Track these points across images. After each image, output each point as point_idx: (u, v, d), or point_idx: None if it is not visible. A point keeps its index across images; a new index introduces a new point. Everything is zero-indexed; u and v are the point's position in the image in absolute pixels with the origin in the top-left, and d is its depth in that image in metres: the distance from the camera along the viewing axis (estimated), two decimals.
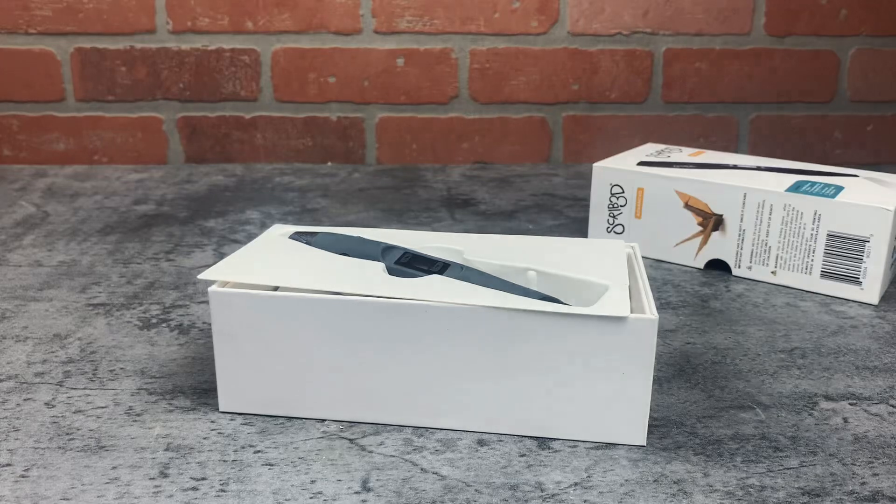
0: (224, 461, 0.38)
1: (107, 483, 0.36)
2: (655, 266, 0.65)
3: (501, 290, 0.39)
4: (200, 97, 0.97)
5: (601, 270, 0.43)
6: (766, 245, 0.61)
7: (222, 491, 0.35)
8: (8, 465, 0.37)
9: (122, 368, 0.47)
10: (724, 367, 0.48)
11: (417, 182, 0.91)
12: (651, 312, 0.38)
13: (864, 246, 0.57)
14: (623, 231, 0.67)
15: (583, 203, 0.83)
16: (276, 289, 0.45)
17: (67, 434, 0.40)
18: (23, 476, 0.37)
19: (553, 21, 0.96)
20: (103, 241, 0.70)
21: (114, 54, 0.95)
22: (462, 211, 0.79)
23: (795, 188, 0.60)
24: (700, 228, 0.63)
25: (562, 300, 0.41)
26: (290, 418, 0.41)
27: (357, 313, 0.39)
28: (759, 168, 0.67)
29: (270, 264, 0.43)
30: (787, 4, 0.97)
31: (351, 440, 0.40)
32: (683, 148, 0.74)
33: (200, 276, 0.41)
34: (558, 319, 0.37)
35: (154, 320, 0.54)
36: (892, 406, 0.44)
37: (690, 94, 0.99)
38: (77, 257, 0.66)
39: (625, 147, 1.01)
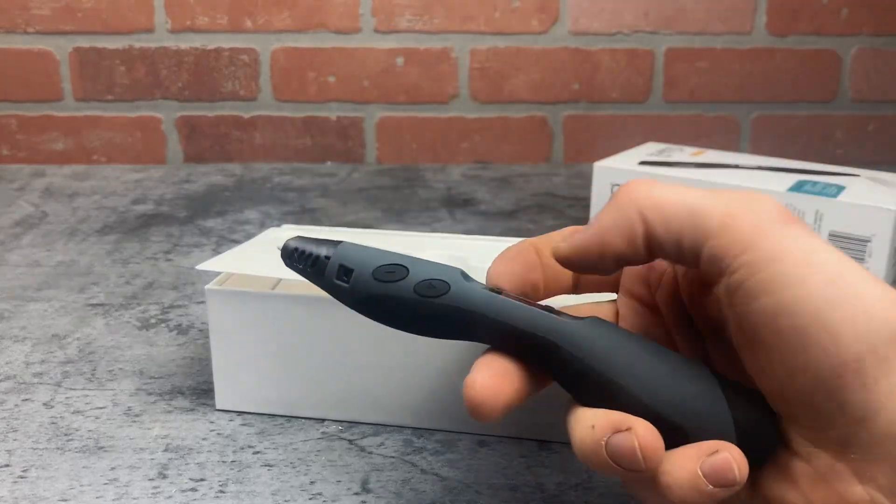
0: (223, 462, 0.38)
1: (105, 484, 0.36)
2: None
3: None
4: (199, 97, 0.97)
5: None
6: None
7: (221, 492, 0.35)
8: (6, 465, 0.37)
9: (120, 369, 0.47)
10: None
11: (417, 182, 0.91)
12: None
13: (866, 246, 0.57)
14: None
15: (584, 203, 0.83)
16: (274, 287, 0.45)
17: (66, 434, 0.40)
18: (21, 477, 0.36)
19: (553, 20, 0.96)
20: (102, 241, 0.70)
21: (112, 54, 0.95)
22: (462, 211, 0.79)
23: (797, 188, 0.60)
24: None
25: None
26: (289, 419, 0.41)
27: (356, 313, 0.39)
28: (760, 167, 0.66)
29: (270, 258, 0.43)
30: (789, 3, 0.97)
31: (350, 441, 0.39)
32: (685, 147, 0.74)
33: (198, 267, 0.41)
34: None
35: (153, 320, 0.53)
36: None
37: (691, 94, 0.99)
38: (76, 257, 0.66)
39: (626, 146, 1.01)
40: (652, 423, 0.26)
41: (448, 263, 0.29)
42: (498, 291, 0.28)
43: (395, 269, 0.29)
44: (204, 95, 0.97)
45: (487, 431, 0.40)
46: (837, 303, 0.23)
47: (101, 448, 0.39)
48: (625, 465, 0.25)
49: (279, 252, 0.31)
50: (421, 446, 0.39)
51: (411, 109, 0.98)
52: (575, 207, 0.81)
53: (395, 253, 0.30)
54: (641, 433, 0.25)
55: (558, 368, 0.27)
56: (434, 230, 0.73)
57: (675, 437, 0.26)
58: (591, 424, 0.26)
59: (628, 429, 0.25)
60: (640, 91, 0.99)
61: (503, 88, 0.98)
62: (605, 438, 0.25)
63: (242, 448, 0.39)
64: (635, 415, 0.26)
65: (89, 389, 0.44)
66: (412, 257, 0.30)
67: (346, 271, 0.29)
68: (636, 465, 0.25)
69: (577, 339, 0.27)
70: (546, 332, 0.27)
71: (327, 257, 0.30)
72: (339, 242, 0.30)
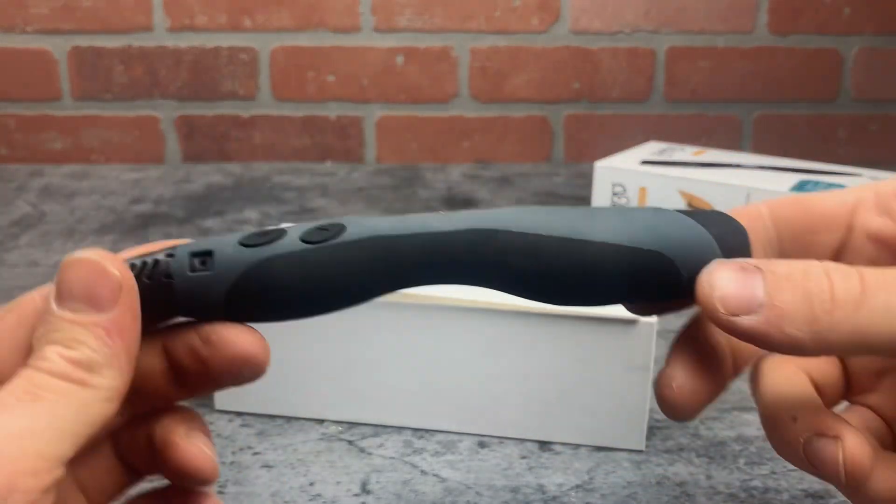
0: (222, 463, 0.37)
1: None
2: None
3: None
4: (198, 96, 0.97)
5: None
6: None
7: (220, 493, 0.35)
8: None
9: None
10: None
11: (417, 181, 0.90)
12: (651, 315, 0.37)
13: None
14: None
15: (585, 203, 0.82)
16: None
17: None
18: None
19: (554, 19, 0.96)
20: (100, 240, 0.69)
21: (111, 53, 0.95)
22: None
23: (799, 187, 0.60)
24: None
25: None
26: (288, 420, 0.41)
27: (356, 313, 0.38)
28: (762, 167, 0.66)
29: None
30: (790, 2, 0.96)
31: (350, 442, 0.39)
32: (686, 146, 0.74)
33: None
34: (557, 321, 0.37)
35: None
36: None
37: (693, 93, 0.99)
38: None
39: (627, 146, 1.00)
40: (632, 258, 0.22)
41: None
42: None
43: (267, 233, 0.23)
44: (203, 95, 0.97)
45: (487, 432, 0.40)
46: None
47: None
48: (822, 474, 0.22)
49: None
50: (421, 447, 0.39)
51: (411, 109, 0.98)
52: None
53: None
54: (849, 445, 0.22)
55: (512, 262, 0.22)
56: None
57: (662, 265, 0.23)
58: (792, 415, 0.23)
59: (835, 436, 0.22)
60: (642, 90, 0.98)
61: (503, 87, 0.98)
62: (803, 437, 0.22)
63: (242, 449, 0.38)
64: (609, 262, 0.22)
65: None
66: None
67: (201, 256, 0.22)
68: (836, 478, 0.22)
69: (516, 217, 0.23)
70: (481, 224, 0.23)
71: (170, 254, 0.23)
72: (174, 246, 0.23)
